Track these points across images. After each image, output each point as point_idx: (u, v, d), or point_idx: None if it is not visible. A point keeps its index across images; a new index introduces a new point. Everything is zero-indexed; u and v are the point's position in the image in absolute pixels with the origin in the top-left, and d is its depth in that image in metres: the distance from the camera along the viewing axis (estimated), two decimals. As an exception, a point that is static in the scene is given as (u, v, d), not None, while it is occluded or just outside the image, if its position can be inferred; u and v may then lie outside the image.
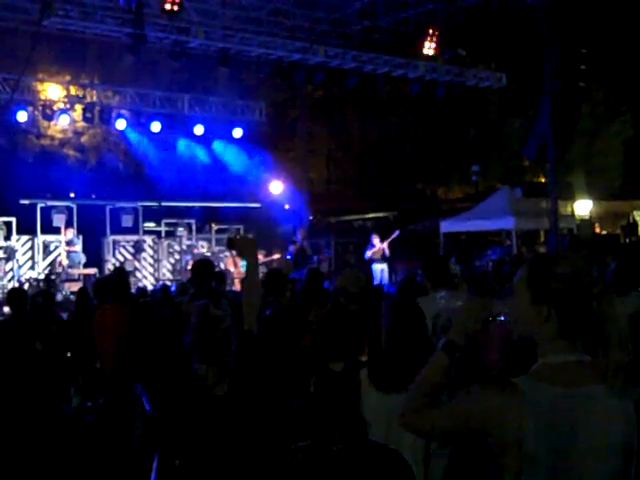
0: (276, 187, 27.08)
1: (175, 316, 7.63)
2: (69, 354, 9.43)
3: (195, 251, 23.89)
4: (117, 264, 22.56)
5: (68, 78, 24.37)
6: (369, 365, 4.88)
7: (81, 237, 22.27)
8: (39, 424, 8.27)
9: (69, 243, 21.66)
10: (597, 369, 2.57)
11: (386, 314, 5.09)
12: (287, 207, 26.91)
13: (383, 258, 22.31)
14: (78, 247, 21.79)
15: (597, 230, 32.91)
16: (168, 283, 20.25)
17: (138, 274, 23.12)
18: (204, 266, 7.82)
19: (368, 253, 22.64)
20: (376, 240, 22.60)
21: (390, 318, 5.04)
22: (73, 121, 24.61)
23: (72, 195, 25.38)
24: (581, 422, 2.52)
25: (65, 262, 21.43)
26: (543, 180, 31.00)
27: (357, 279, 7.26)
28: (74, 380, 9.43)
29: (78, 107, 24.27)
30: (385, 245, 22.26)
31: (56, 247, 22.42)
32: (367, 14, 18.40)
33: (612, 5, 17.91)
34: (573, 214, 30.15)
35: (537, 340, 2.66)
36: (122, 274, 9.43)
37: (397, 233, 22.68)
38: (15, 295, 9.25)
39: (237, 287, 21.87)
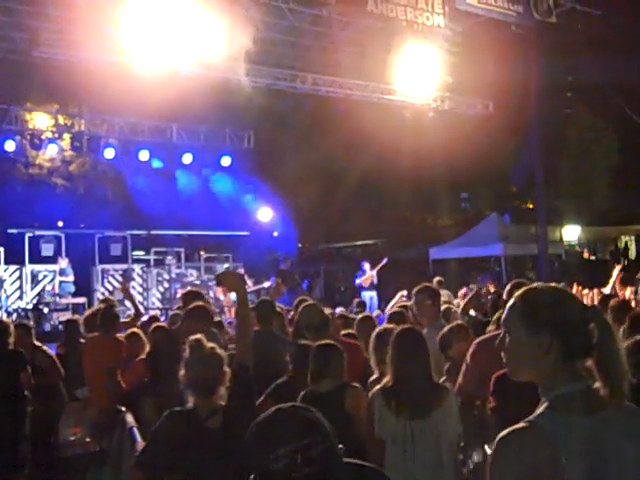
0: (265, 214, 27.09)
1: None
2: (60, 384, 9.38)
3: (184, 279, 23.85)
4: (106, 293, 22.50)
5: (56, 107, 24.37)
6: (386, 392, 5.13)
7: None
8: (25, 458, 8.21)
9: (62, 272, 21.59)
10: (605, 393, 2.56)
11: (397, 343, 5.30)
12: (276, 234, 26.90)
13: (372, 285, 22.36)
14: (71, 277, 21.73)
15: (586, 255, 33.07)
16: (157, 312, 20.19)
17: (127, 303, 23.02)
18: (194, 296, 7.77)
19: (358, 280, 22.68)
20: (367, 267, 22.67)
21: (398, 347, 5.27)
22: (61, 150, 24.63)
23: (60, 224, 25.31)
24: (609, 447, 2.50)
25: (57, 289, 21.36)
26: (531, 206, 31.14)
27: (317, 312, 7.29)
28: (61, 412, 9.37)
29: (66, 136, 24.32)
30: (374, 272, 22.32)
31: (44, 276, 22.36)
32: (354, 42, 18.49)
33: (598, 30, 18.02)
34: (561, 240, 30.26)
35: (538, 375, 2.64)
36: (110, 305, 9.35)
37: (385, 261, 22.72)
38: None
39: (227, 315, 21.84)
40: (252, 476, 2.37)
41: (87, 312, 9.84)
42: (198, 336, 4.79)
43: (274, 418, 2.50)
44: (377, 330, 6.39)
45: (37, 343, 9.59)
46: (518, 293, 2.75)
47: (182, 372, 4.67)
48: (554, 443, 2.45)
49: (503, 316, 2.75)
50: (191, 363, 4.66)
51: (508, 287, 6.39)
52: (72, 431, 9.34)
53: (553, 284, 2.81)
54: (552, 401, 2.57)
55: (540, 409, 2.57)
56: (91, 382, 8.84)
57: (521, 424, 2.53)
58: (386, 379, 5.28)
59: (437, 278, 16.21)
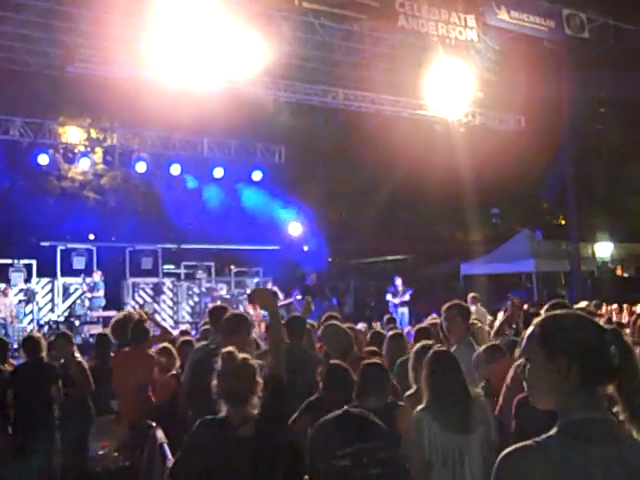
0: (295, 229, 27.08)
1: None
2: (89, 397, 9.38)
3: (214, 293, 23.84)
4: (136, 307, 22.56)
5: (89, 121, 24.59)
6: (432, 410, 5.08)
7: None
8: (57, 471, 8.21)
9: (94, 287, 21.65)
10: (625, 417, 2.51)
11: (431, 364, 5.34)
12: (306, 249, 26.87)
13: (404, 302, 22.26)
14: (101, 292, 21.80)
15: (619, 272, 32.71)
16: (188, 326, 20.23)
17: (157, 316, 23.09)
18: (221, 311, 7.74)
19: (389, 296, 22.58)
20: (399, 282, 22.54)
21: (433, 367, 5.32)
22: (93, 164, 24.83)
23: (92, 237, 25.47)
24: None
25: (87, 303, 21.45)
26: (563, 222, 30.91)
27: (340, 334, 7.37)
28: (89, 425, 9.37)
29: (98, 150, 24.55)
30: (405, 297, 22.22)
31: (76, 289, 22.47)
32: (386, 57, 18.51)
33: (631, 45, 17.87)
34: (594, 256, 29.98)
35: (556, 401, 2.58)
36: (140, 320, 9.35)
37: (411, 292, 22.52)
38: (29, 342, 9.21)
39: (257, 330, 21.81)
40: (306, 477, 2.37)
41: (114, 319, 9.82)
42: (230, 348, 4.86)
43: (344, 418, 2.50)
44: (416, 347, 6.37)
45: (76, 354, 9.66)
46: (536, 321, 2.71)
47: (214, 382, 4.73)
48: (556, 466, 2.41)
49: (522, 345, 2.71)
50: (223, 374, 4.72)
51: (546, 307, 6.33)
52: (101, 445, 9.34)
53: (582, 303, 2.78)
54: (564, 426, 2.52)
55: (551, 432, 2.53)
56: (121, 397, 8.83)
57: (528, 442, 2.49)
58: (425, 398, 5.24)
59: (472, 294, 16.13)
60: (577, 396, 2.54)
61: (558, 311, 2.74)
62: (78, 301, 22.09)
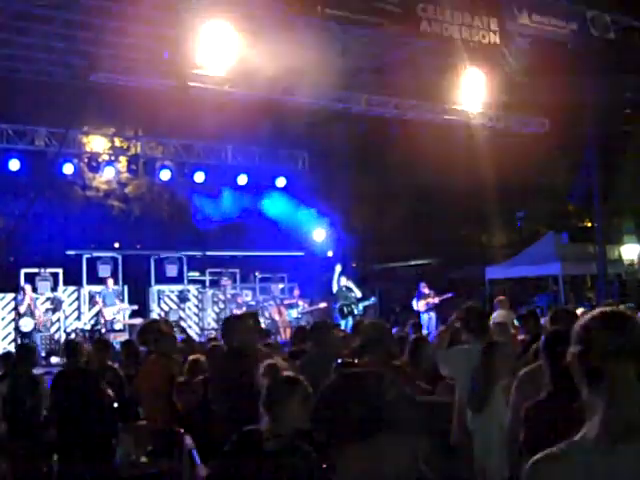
0: (319, 235, 27.07)
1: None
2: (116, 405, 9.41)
3: (239, 300, 23.87)
4: (162, 314, 22.66)
5: (112, 130, 24.76)
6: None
7: (126, 287, 22.58)
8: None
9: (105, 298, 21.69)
10: None
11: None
12: (330, 254, 26.86)
13: (430, 306, 22.15)
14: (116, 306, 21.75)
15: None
16: (214, 333, 20.28)
17: (183, 324, 23.16)
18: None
19: (415, 301, 22.46)
20: (425, 289, 22.42)
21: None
22: (118, 172, 24.96)
23: (117, 245, 25.60)
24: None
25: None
26: (589, 224, 30.70)
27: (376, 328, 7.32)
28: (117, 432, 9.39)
29: (122, 159, 24.70)
30: (436, 300, 22.09)
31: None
32: (409, 62, 18.45)
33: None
34: (621, 258, 29.70)
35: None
36: (168, 325, 9.39)
37: (450, 295, 22.38)
38: (70, 345, 9.27)
39: (283, 336, 21.85)
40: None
41: (139, 327, 9.87)
42: (272, 361, 4.91)
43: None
44: None
45: (109, 362, 9.74)
46: (547, 334, 2.71)
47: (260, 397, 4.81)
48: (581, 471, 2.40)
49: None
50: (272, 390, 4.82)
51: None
52: (129, 452, 9.35)
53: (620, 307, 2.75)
54: (594, 427, 2.48)
55: (580, 432, 2.50)
56: (147, 403, 8.86)
57: (554, 449, 2.48)
58: None
59: (499, 297, 16.03)
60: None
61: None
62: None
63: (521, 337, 10.60)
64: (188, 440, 7.02)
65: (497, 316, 13.35)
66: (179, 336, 12.27)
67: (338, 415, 2.28)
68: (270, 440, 4.61)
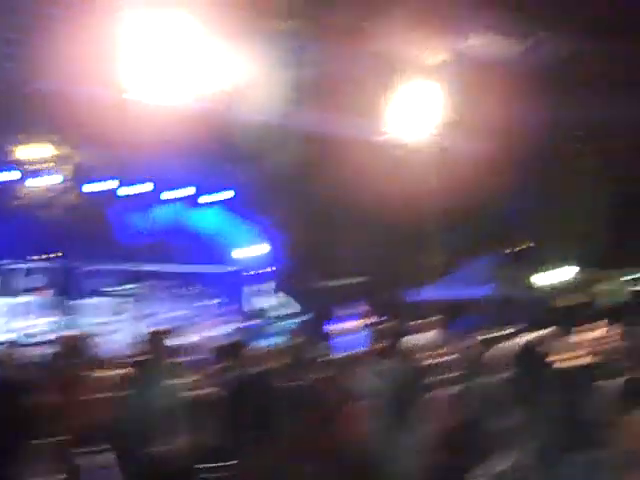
0: (257, 250, 27.19)
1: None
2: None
3: (164, 316, 23.51)
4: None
5: (46, 139, 24.20)
6: None
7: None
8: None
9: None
10: None
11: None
12: (268, 270, 26.88)
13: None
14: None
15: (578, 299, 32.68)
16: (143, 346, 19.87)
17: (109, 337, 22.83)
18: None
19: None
20: (357, 306, 22.24)
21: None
22: (48, 183, 24.40)
23: (44, 257, 25.13)
24: None
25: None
26: (526, 246, 30.92)
27: None
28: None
29: (53, 169, 24.21)
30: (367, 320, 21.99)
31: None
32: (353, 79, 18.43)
33: (604, 70, 17.99)
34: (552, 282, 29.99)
35: None
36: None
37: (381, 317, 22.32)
38: None
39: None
40: None
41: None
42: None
43: None
44: None
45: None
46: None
47: None
48: None
49: None
50: None
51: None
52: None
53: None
54: None
55: None
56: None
57: None
58: None
59: (433, 318, 15.89)
60: None
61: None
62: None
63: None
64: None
65: (425, 337, 13.33)
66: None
67: None
68: None
